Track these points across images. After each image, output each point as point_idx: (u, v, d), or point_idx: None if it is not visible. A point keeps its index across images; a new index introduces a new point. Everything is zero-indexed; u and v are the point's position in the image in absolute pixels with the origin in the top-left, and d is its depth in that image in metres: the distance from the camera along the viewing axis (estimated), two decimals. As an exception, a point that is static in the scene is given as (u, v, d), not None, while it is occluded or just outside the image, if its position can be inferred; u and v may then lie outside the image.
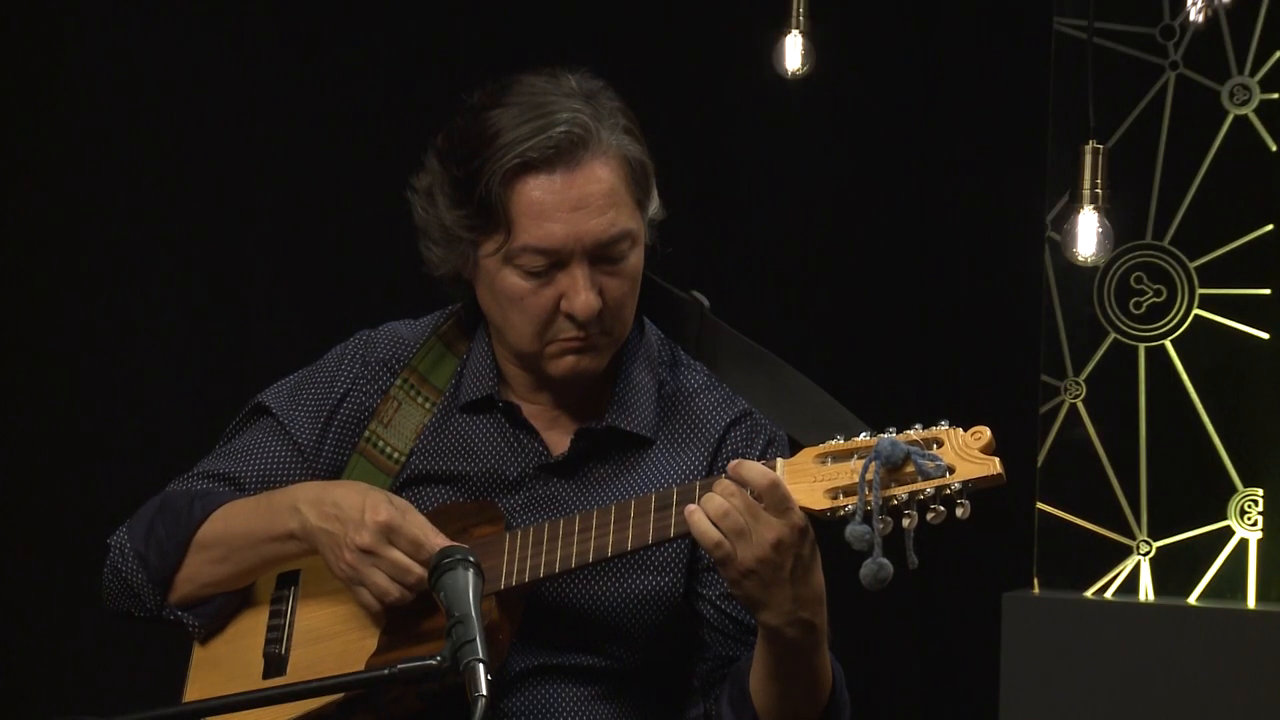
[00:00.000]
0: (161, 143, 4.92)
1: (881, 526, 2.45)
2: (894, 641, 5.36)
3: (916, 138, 5.40)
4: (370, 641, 2.70)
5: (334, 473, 2.83)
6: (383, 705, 2.64)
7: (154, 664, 3.26)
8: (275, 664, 2.77)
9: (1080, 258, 4.00)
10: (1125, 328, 4.76)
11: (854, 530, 2.44)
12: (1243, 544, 4.66)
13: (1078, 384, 4.78)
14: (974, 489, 2.45)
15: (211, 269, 4.97)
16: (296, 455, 2.84)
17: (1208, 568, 4.68)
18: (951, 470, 2.45)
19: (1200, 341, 4.70)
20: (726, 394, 2.81)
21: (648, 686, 2.76)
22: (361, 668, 2.66)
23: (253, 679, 2.77)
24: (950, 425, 2.50)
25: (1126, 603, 4.73)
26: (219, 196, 4.96)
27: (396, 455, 2.81)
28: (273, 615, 2.81)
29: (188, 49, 4.93)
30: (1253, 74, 4.65)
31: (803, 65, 4.69)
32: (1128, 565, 4.74)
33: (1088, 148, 3.95)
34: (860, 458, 2.48)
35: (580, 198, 2.66)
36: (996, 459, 2.46)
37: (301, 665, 2.74)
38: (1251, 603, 4.65)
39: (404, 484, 2.80)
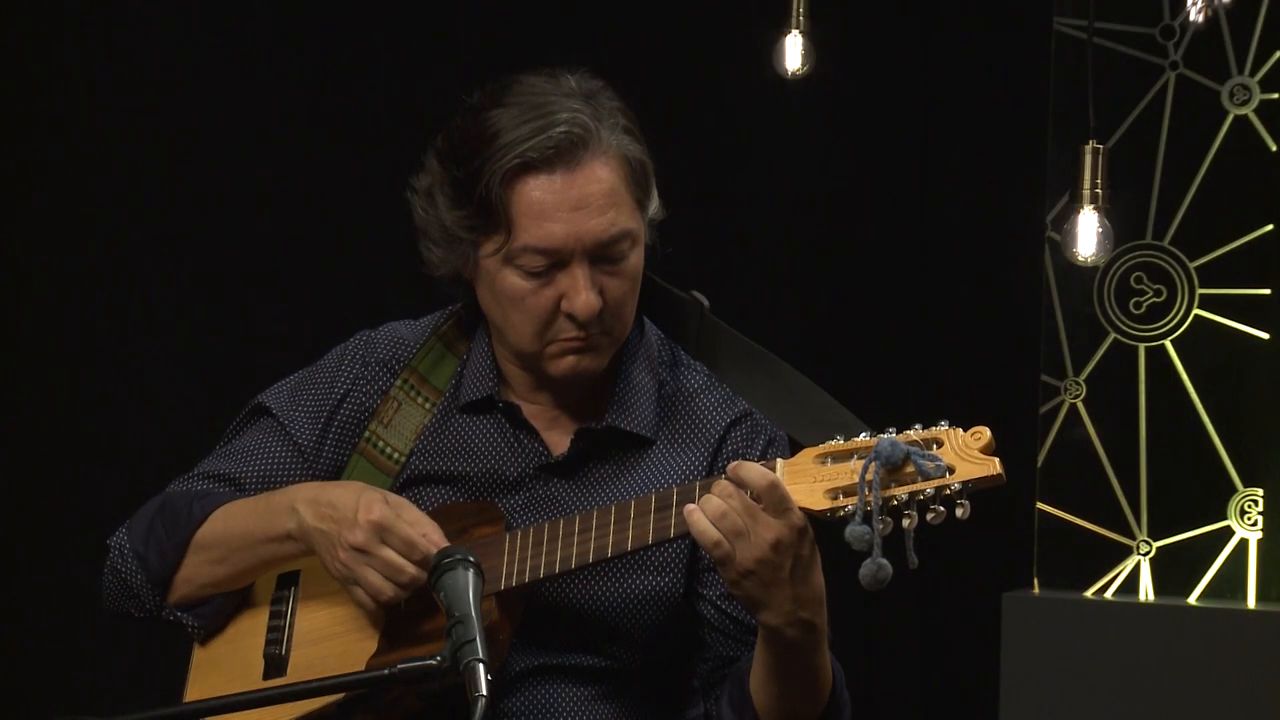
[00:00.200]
0: (161, 142, 4.92)
1: (881, 527, 2.45)
2: (894, 641, 5.36)
3: (916, 138, 5.40)
4: (370, 642, 2.70)
5: (334, 473, 2.83)
6: (383, 705, 2.64)
7: (154, 664, 3.26)
8: (275, 664, 2.77)
9: (1080, 258, 4.00)
10: (1125, 328, 4.76)
11: (854, 530, 2.45)
12: (1243, 544, 4.66)
13: (1078, 384, 4.78)
14: (974, 489, 2.45)
15: (211, 269, 4.97)
16: (297, 456, 2.84)
17: (1208, 568, 4.68)
18: (951, 470, 2.45)
19: (1200, 341, 4.70)
20: (727, 394, 2.81)
21: (648, 686, 2.76)
22: (362, 668, 2.66)
23: (253, 679, 2.77)
24: (950, 425, 2.50)
25: (1126, 603, 4.73)
26: (219, 196, 4.96)
27: (396, 456, 2.81)
28: (273, 616, 2.80)
29: (188, 49, 4.93)
30: (1253, 74, 4.65)
31: (803, 65, 4.69)
32: (1128, 565, 4.74)
33: (1088, 148, 3.95)
34: (860, 458, 2.48)
35: (580, 197, 2.66)
36: (996, 459, 2.46)
37: (301, 665, 2.74)
38: (1251, 603, 4.65)
39: (404, 484, 2.80)
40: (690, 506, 2.51)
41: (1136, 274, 4.75)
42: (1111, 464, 4.75)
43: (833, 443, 2.53)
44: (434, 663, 2.33)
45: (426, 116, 2.87)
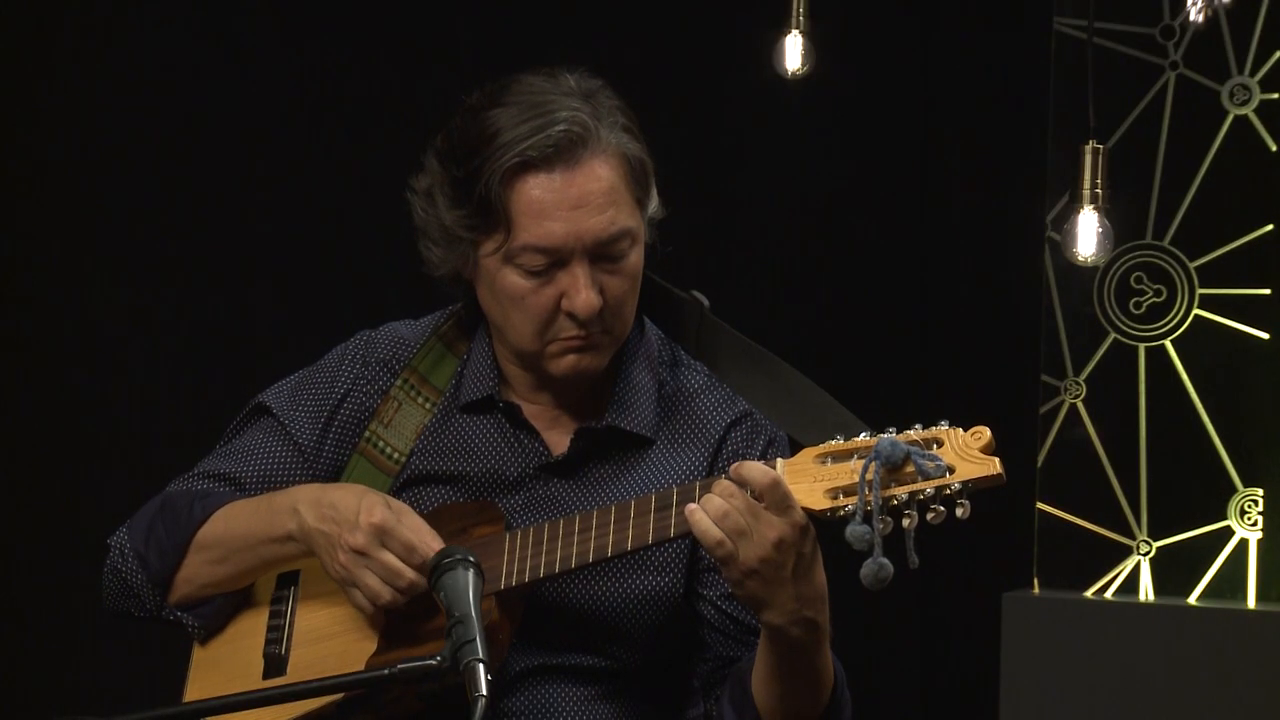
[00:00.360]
0: (161, 142, 4.92)
1: (881, 526, 2.45)
2: (894, 641, 5.36)
3: (916, 137, 5.40)
4: (370, 642, 2.70)
5: (334, 473, 2.83)
6: (383, 705, 2.64)
7: (154, 664, 3.26)
8: (275, 664, 2.77)
9: (1080, 258, 4.00)
10: (1125, 328, 4.76)
11: (854, 530, 2.45)
12: (1243, 544, 4.66)
13: (1078, 384, 4.78)
14: (974, 489, 2.45)
15: (211, 269, 4.97)
16: (297, 455, 2.84)
17: (1208, 568, 4.68)
18: (951, 470, 2.45)
19: (1200, 341, 4.70)
20: (727, 394, 2.81)
21: (648, 686, 2.76)
22: (361, 668, 2.66)
23: (253, 679, 2.77)
24: (950, 425, 2.50)
25: (1126, 603, 4.73)
26: (219, 196, 4.96)
27: (397, 455, 2.81)
28: (273, 615, 2.80)
29: (188, 49, 4.93)
30: (1253, 74, 4.65)
31: (803, 65, 4.69)
32: (1128, 565, 4.74)
33: (1088, 148, 3.95)
34: (860, 458, 2.48)
35: (580, 196, 2.66)
36: (996, 459, 2.46)
37: (301, 665, 2.74)
38: (1251, 603, 4.65)
39: (404, 484, 2.80)
40: (692, 506, 2.51)
41: (1136, 274, 4.74)
42: (1111, 464, 4.75)
43: (833, 443, 2.53)
44: (434, 663, 2.33)
45: (426, 116, 2.87)
